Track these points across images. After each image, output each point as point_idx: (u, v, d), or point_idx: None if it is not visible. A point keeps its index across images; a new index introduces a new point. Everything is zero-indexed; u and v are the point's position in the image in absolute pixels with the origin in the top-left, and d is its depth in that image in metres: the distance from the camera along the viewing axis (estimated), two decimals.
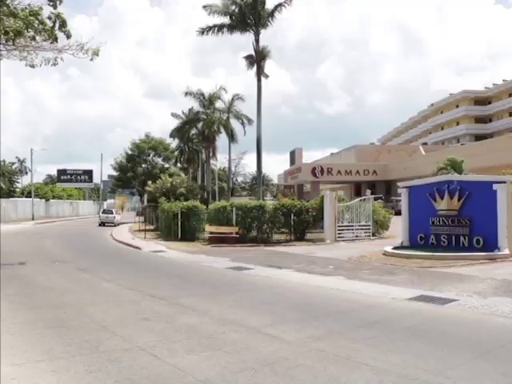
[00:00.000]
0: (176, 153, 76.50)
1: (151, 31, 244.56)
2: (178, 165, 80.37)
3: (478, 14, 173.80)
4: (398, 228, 22.61)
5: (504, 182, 17.86)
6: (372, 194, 34.28)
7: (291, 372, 6.12)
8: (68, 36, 13.71)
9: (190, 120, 58.30)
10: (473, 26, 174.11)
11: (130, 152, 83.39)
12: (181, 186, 40.90)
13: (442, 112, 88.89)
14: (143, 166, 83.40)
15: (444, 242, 19.27)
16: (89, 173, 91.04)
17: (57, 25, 13.65)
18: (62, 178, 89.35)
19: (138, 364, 6.40)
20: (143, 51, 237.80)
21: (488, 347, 7.28)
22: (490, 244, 17.79)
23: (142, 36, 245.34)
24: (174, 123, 62.37)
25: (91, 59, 13.77)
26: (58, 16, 13.72)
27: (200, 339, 7.66)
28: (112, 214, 53.67)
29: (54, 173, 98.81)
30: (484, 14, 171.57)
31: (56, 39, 13.65)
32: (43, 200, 72.54)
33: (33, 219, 61.27)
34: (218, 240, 25.78)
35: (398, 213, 24.80)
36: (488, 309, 9.89)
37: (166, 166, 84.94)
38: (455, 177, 20.82)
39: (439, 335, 8.03)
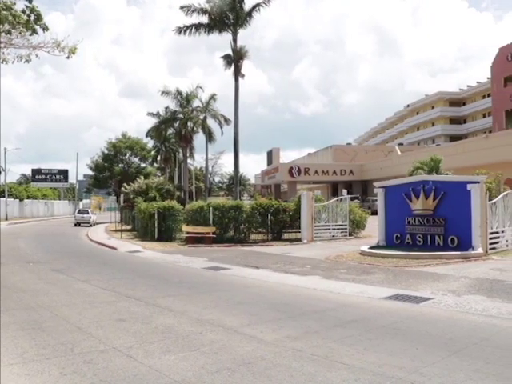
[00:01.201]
0: (153, 152, 76.13)
1: (127, 30, 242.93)
2: (155, 164, 79.98)
3: (452, 17, 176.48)
4: (375, 228, 22.81)
5: (478, 182, 18.13)
6: (349, 193, 34.48)
7: (268, 372, 6.13)
8: (45, 29, 13.47)
9: (167, 119, 57.98)
10: (446, 29, 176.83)
11: (106, 151, 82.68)
12: (157, 187, 40.64)
13: (417, 113, 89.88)
14: (120, 165, 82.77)
15: (419, 242, 19.49)
16: (64, 172, 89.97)
17: (31, 18, 13.41)
18: (37, 177, 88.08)
19: (114, 365, 6.34)
20: (119, 50, 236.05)
21: (462, 345, 7.38)
22: (464, 243, 18.06)
23: (118, 35, 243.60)
24: (151, 123, 62.15)
25: (68, 57, 13.56)
26: (32, 9, 13.48)
27: (177, 340, 7.63)
28: (88, 214, 53.12)
29: (29, 172, 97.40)
30: (457, 17, 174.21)
31: (35, 31, 13.39)
32: (17, 200, 71.42)
33: (6, 219, 60.29)
34: (194, 240, 25.71)
35: (375, 212, 25.02)
36: (462, 307, 10.05)
37: (143, 165, 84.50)
38: (430, 177, 21.04)
39: (414, 333, 8.12)
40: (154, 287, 12.98)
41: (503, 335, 8.01)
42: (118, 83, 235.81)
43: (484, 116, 76.01)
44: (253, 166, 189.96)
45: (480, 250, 17.62)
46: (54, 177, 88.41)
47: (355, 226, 28.38)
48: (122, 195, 36.56)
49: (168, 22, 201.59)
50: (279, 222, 27.01)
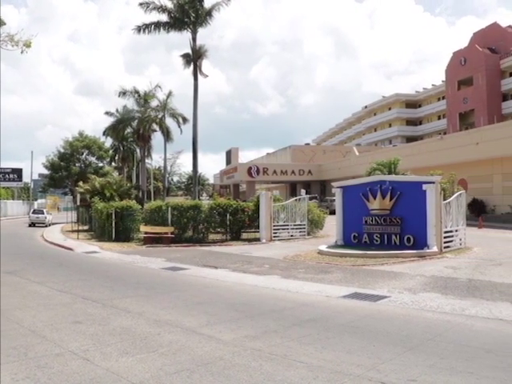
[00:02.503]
0: (111, 152, 75.00)
1: (84, 26, 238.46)
2: (113, 164, 78.82)
3: (407, 21, 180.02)
4: (333, 227, 23.05)
5: (433, 183, 18.53)
6: (307, 193, 34.75)
7: (227, 372, 6.12)
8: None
9: (125, 118, 57.23)
10: (402, 32, 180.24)
11: (62, 150, 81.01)
12: (113, 186, 40.00)
13: (375, 114, 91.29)
14: (77, 164, 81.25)
15: (376, 241, 19.79)
16: (18, 171, 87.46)
17: None
18: None
19: (70, 369, 6.20)
20: (75, 47, 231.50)
21: (417, 341, 7.55)
22: (419, 242, 18.44)
23: (74, 31, 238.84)
24: (108, 121, 61.27)
25: (22, 52, 13.18)
26: None
27: (134, 341, 7.53)
28: (43, 214, 51.87)
29: None
30: (413, 21, 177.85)
31: None
32: None
33: None
34: (153, 240, 25.47)
35: (333, 212, 25.27)
36: (417, 304, 10.27)
37: (101, 165, 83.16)
38: (387, 177, 21.40)
39: (372, 331, 8.24)
40: (112, 288, 12.78)
41: (456, 331, 8.22)
42: (74, 81, 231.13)
43: (439, 118, 77.87)
44: (211, 166, 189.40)
45: (435, 249, 18.03)
46: (7, 176, 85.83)
47: (313, 226, 28.62)
48: (78, 195, 35.81)
49: (125, 19, 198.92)
50: (238, 222, 27.01)
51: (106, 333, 8.04)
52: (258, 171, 62.54)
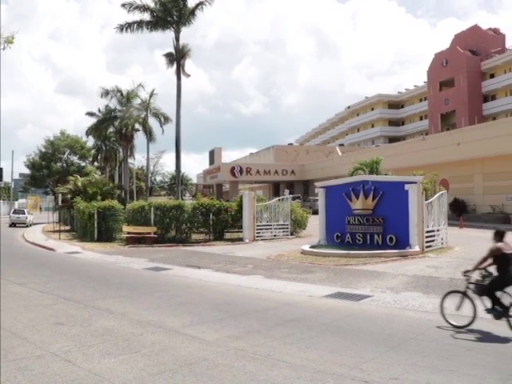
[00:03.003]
0: (93, 151, 74.29)
1: (65, 25, 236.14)
2: (95, 163, 78.09)
3: (390, 22, 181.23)
4: (316, 227, 23.12)
5: (415, 183, 18.68)
6: (290, 193, 34.81)
7: (210, 372, 6.11)
8: None
9: (107, 118, 56.79)
10: (384, 33, 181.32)
11: (44, 149, 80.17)
12: (95, 186, 39.67)
13: (358, 114, 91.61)
14: (58, 164, 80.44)
15: (359, 241, 19.89)
16: None
17: None
18: None
19: (51, 371, 6.14)
20: (56, 45, 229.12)
21: (399, 340, 7.61)
22: (402, 242, 18.58)
23: (56, 29, 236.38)
24: (90, 120, 60.59)
25: (3, 48, 12.99)
26: None
27: (117, 342, 7.49)
28: (24, 214, 51.19)
29: None
30: (395, 22, 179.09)
31: None
32: None
33: None
34: (135, 240, 25.33)
35: (316, 212, 25.35)
36: (400, 303, 10.36)
37: (83, 164, 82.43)
38: (370, 177, 21.52)
39: (354, 330, 8.29)
40: (94, 289, 12.69)
41: (438, 329, 8.29)
42: (55, 79, 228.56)
43: (421, 118, 78.41)
44: (194, 166, 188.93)
45: (417, 248, 18.18)
46: None
47: (296, 226, 28.68)
48: (59, 195, 35.44)
49: (108, 18, 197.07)
50: (221, 222, 26.97)
51: (87, 334, 7.98)
52: (241, 171, 62.51)
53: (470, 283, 8.60)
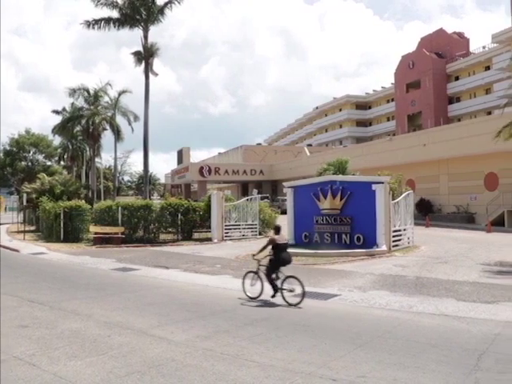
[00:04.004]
0: (59, 150, 73.04)
1: (29, 20, 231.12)
2: (62, 163, 76.78)
3: (357, 23, 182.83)
4: (284, 227, 23.12)
5: (382, 183, 18.92)
6: (259, 193, 34.92)
7: (179, 373, 6.08)
8: None
9: (74, 116, 55.89)
10: (351, 35, 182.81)
11: (8, 148, 78.46)
12: (62, 185, 39.00)
13: (326, 115, 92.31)
14: (23, 163, 78.84)
15: (327, 240, 20.03)
16: None
17: None
18: None
19: (15, 375, 6.01)
20: (20, 41, 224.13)
21: (367, 338, 7.69)
22: (369, 241, 18.79)
23: (19, 25, 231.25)
24: (56, 119, 59.76)
25: None
26: None
27: (83, 344, 7.38)
28: None
29: None
30: (362, 24, 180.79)
31: None
32: None
33: None
34: (103, 240, 25.02)
35: (284, 212, 25.45)
36: (367, 302, 10.47)
37: (49, 163, 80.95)
38: (338, 177, 21.68)
39: (323, 329, 8.35)
40: (60, 290, 12.49)
41: (404, 327, 8.43)
42: (18, 76, 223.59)
43: (388, 119, 79.47)
44: (162, 166, 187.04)
45: (384, 248, 18.41)
46: None
47: (265, 226, 28.73)
48: (24, 194, 34.77)
49: (73, 15, 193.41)
50: (189, 222, 26.86)
51: (53, 336, 7.85)
52: (209, 171, 62.35)
53: (260, 265, 11.02)
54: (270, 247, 10.84)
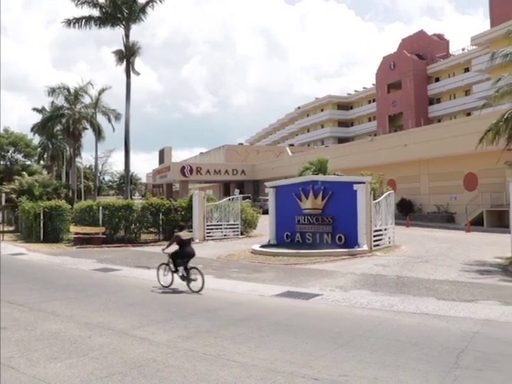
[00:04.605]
0: (39, 149, 72.25)
1: (8, 18, 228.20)
2: (42, 162, 75.96)
3: (339, 24, 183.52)
4: (266, 227, 23.24)
5: (363, 183, 19.03)
6: (240, 193, 34.82)
7: (160, 374, 6.05)
8: None
9: (54, 115, 55.31)
10: (333, 35, 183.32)
11: None
12: (42, 185, 38.60)
13: (308, 115, 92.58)
14: (2, 162, 77.84)
15: (309, 240, 20.10)
16: None
17: None
18: None
19: None
20: None
21: (348, 337, 7.73)
22: (350, 241, 18.89)
23: None
24: (36, 117, 59.06)
25: None
26: None
27: (64, 346, 7.31)
28: None
29: None
30: (344, 25, 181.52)
31: None
32: None
33: None
34: (83, 241, 24.80)
35: (266, 212, 25.49)
36: (348, 301, 10.53)
37: (28, 163, 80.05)
38: (319, 177, 21.76)
39: (304, 329, 8.37)
40: (39, 291, 12.36)
41: (385, 326, 8.49)
42: None
43: (369, 120, 79.95)
44: (143, 165, 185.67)
45: (365, 247, 18.52)
46: None
47: (247, 226, 28.74)
48: (3, 194, 34.32)
49: (54, 13, 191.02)
50: (171, 222, 26.71)
51: (32, 338, 7.76)
52: (191, 171, 62.16)
53: (170, 258, 12.64)
54: (175, 243, 12.69)
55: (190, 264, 12.35)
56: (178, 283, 12.35)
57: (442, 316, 9.08)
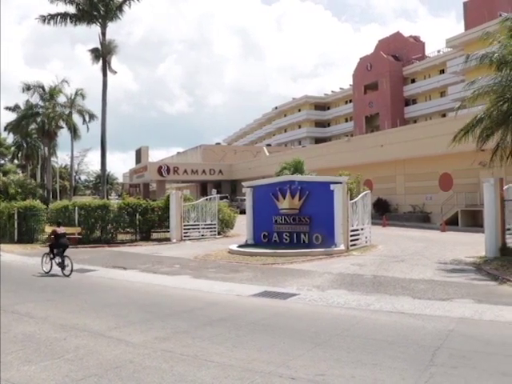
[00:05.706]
0: (13, 148, 71.23)
1: None
2: (16, 161, 74.90)
3: (315, 25, 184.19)
4: (243, 227, 23.23)
5: (340, 183, 19.14)
6: (218, 193, 34.82)
7: (137, 375, 6.00)
8: None
9: (29, 114, 54.60)
10: (309, 36, 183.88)
11: None
12: (16, 185, 38.04)
13: (285, 115, 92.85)
14: None
15: (286, 240, 20.15)
16: None
17: None
18: None
19: None
20: None
21: (325, 337, 7.76)
22: (327, 240, 18.97)
23: None
24: (9, 116, 58.19)
25: None
26: None
27: (38, 348, 7.21)
28: None
29: None
30: (320, 25, 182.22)
31: None
32: None
33: None
34: None
35: (243, 212, 25.45)
36: (325, 301, 10.58)
37: (1, 162, 78.82)
38: (296, 177, 21.82)
39: (282, 328, 8.38)
40: (14, 292, 12.16)
41: (362, 325, 8.54)
42: None
43: (346, 120, 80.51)
44: (120, 165, 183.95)
45: (342, 247, 18.63)
46: None
47: (224, 225, 28.71)
48: None
49: (27, 9, 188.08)
50: (148, 222, 26.57)
51: (6, 341, 7.63)
52: (168, 170, 61.86)
53: (49, 248, 15.46)
54: (52, 236, 15.77)
55: (65, 254, 15.05)
56: (57, 270, 14.86)
57: (418, 315, 9.17)
